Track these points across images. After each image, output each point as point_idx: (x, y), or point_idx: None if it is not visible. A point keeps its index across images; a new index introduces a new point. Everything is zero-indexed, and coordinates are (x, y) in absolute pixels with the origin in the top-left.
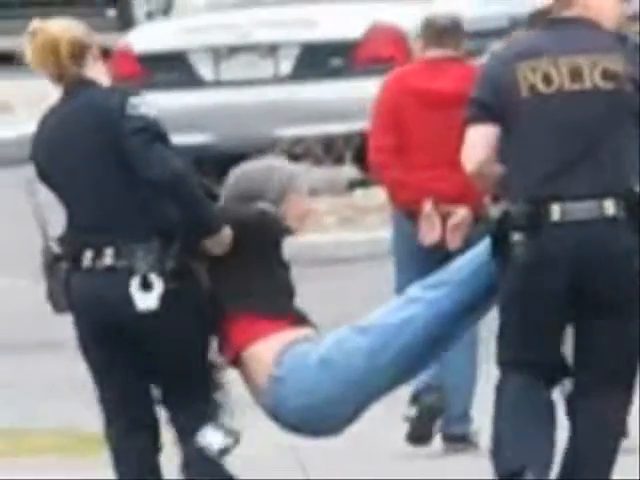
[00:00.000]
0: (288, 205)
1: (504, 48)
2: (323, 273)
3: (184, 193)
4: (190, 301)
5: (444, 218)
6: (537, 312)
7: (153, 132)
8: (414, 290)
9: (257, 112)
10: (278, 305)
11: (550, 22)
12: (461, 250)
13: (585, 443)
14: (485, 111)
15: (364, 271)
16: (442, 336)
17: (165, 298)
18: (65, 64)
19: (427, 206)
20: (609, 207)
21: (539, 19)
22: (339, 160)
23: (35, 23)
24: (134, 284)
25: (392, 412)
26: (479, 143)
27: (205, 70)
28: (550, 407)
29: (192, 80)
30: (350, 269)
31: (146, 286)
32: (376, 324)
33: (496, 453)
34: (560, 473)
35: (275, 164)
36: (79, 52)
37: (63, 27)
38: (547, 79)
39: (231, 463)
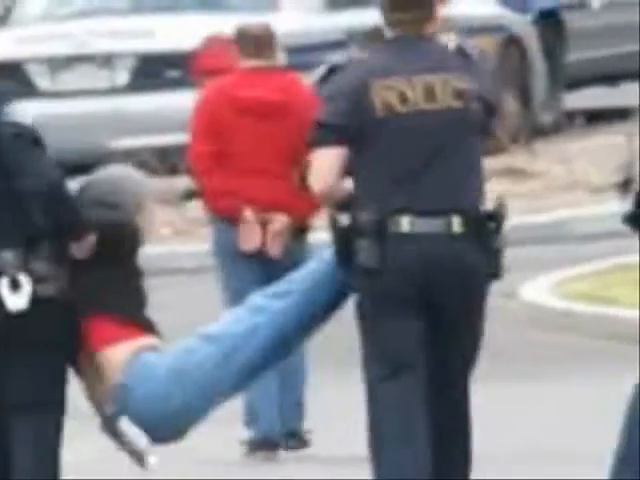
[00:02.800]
0: (144, 214)
1: (353, 67)
2: (157, 284)
3: (58, 200)
4: (59, 306)
5: (264, 225)
6: (385, 317)
7: (30, 139)
8: (258, 299)
9: (93, 123)
10: (132, 311)
11: (395, 39)
12: (283, 258)
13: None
14: (334, 133)
15: (198, 282)
16: (287, 342)
17: (34, 302)
18: None
19: (247, 213)
20: (455, 224)
21: (376, 35)
22: (174, 171)
23: None
24: (3, 285)
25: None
26: (328, 165)
27: (41, 80)
28: (422, 407)
29: (28, 90)
30: (184, 280)
31: (15, 287)
32: (223, 332)
33: (379, 460)
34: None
35: (128, 174)
36: None
37: None
38: (403, 98)
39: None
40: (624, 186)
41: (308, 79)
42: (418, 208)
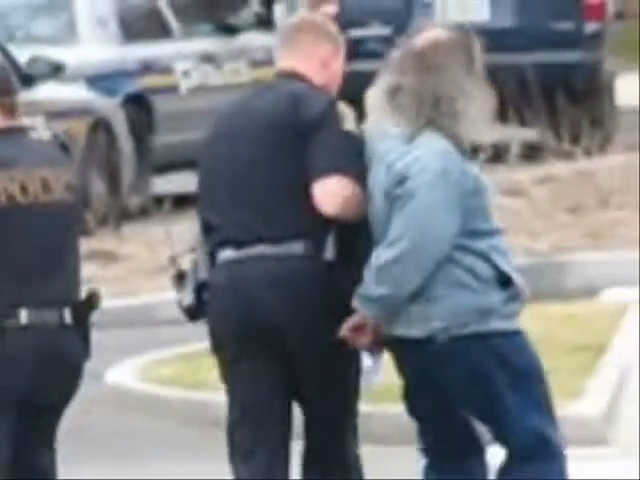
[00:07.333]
0: None
1: None
2: None
3: None
4: None
5: None
6: None
7: None
8: None
9: None
10: None
11: (6, 130)
12: None
13: None
14: None
15: None
16: None
17: None
18: None
19: None
20: (66, 315)
21: None
22: None
23: None
24: None
25: None
26: None
27: None
28: None
29: None
30: None
31: None
32: None
33: None
34: None
35: None
36: None
37: None
38: (24, 189)
39: None
40: (179, 279)
41: None
42: (35, 301)
